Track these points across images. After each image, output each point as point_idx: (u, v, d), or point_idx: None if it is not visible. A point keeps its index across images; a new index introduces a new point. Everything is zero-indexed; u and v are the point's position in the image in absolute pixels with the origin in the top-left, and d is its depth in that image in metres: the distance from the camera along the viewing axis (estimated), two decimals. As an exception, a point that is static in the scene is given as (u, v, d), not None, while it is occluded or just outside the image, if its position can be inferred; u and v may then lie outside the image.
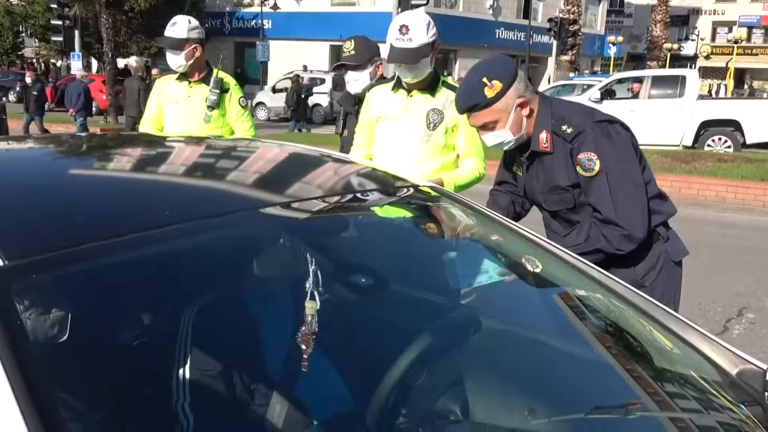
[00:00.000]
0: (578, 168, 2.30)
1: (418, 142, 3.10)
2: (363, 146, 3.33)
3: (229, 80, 4.20)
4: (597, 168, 2.27)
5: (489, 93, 2.30)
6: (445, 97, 3.12)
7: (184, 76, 4.07)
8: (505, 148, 2.47)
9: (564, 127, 2.32)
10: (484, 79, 2.30)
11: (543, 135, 2.36)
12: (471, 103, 2.35)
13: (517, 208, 2.70)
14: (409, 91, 3.14)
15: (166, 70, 4.29)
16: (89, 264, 1.21)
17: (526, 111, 2.36)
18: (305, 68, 27.11)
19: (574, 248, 2.20)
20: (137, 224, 1.32)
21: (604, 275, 1.81)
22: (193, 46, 4.01)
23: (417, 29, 2.97)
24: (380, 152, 3.20)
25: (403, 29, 2.97)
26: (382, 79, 3.46)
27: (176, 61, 3.99)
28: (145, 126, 4.23)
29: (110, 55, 22.44)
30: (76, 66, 21.33)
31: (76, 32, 21.48)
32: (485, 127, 2.39)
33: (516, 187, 2.68)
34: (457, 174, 3.16)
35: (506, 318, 1.86)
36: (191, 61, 4.01)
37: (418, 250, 1.94)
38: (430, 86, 3.14)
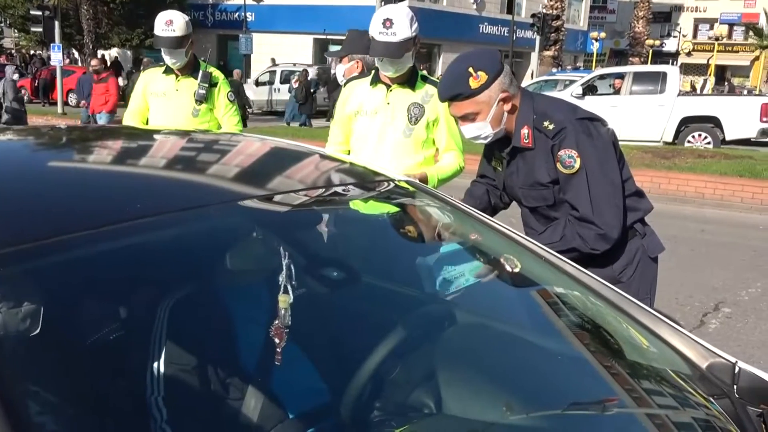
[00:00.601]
0: (558, 165, 2.29)
1: (400, 136, 3.11)
2: (340, 141, 3.32)
3: (218, 74, 4.19)
4: (577, 166, 2.26)
5: (473, 83, 2.28)
6: (424, 92, 3.13)
7: (170, 70, 4.04)
8: (483, 141, 2.45)
9: (546, 123, 2.30)
10: (470, 69, 2.28)
11: (525, 131, 2.34)
12: (454, 92, 2.33)
13: (492, 199, 2.68)
14: (388, 85, 3.14)
15: (159, 60, 4.28)
16: (60, 257, 1.20)
17: (508, 106, 2.34)
18: (273, 62, 26.43)
19: (549, 246, 2.14)
20: (109, 217, 1.31)
21: (579, 271, 1.82)
22: (190, 41, 4.01)
23: (401, 23, 2.97)
24: (361, 147, 3.19)
25: (387, 23, 2.96)
26: (360, 75, 3.45)
27: (177, 58, 3.97)
28: (129, 119, 4.19)
29: (91, 47, 22.23)
30: (56, 57, 21.07)
31: (56, 23, 21.18)
32: (465, 118, 2.37)
33: (494, 182, 2.67)
34: (439, 168, 3.18)
35: (483, 314, 1.88)
36: (188, 57, 4.01)
37: (395, 245, 1.95)
38: (409, 80, 3.15)
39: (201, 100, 4.04)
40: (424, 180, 2.94)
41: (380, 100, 3.15)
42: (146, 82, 4.13)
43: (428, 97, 3.13)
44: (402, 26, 2.97)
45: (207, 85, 4.05)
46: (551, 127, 2.29)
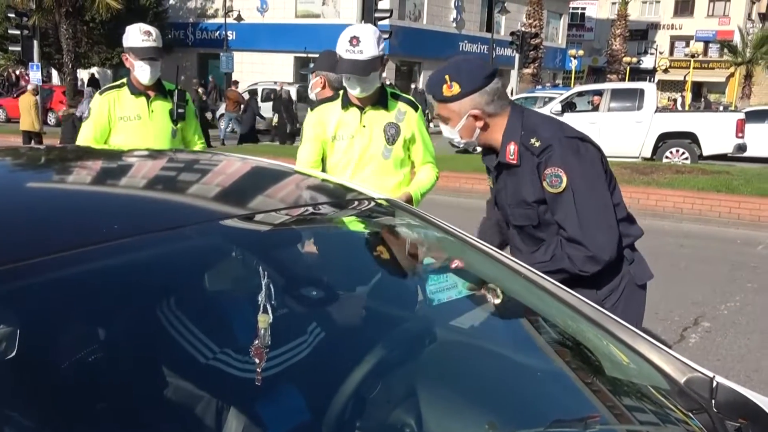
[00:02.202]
0: (544, 183, 2.25)
1: (380, 158, 3.12)
2: (311, 162, 3.22)
3: (186, 92, 4.09)
4: (564, 185, 2.22)
5: (446, 92, 2.31)
6: (397, 110, 3.14)
7: (137, 90, 3.81)
8: (457, 146, 2.51)
9: (532, 140, 2.27)
10: (447, 77, 2.30)
11: (511, 147, 2.31)
12: (430, 91, 2.40)
13: (501, 237, 2.67)
14: (361, 108, 3.13)
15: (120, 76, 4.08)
16: (36, 279, 1.19)
17: (480, 123, 2.32)
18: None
19: (539, 265, 2.18)
20: (86, 238, 1.30)
21: (559, 288, 1.83)
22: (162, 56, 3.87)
23: (367, 41, 2.97)
24: (342, 172, 3.17)
25: (354, 41, 2.96)
26: (326, 97, 3.43)
27: (155, 72, 3.77)
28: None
29: (70, 66, 22.11)
30: (35, 77, 20.94)
31: (35, 42, 21.09)
32: (441, 118, 2.42)
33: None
34: (419, 184, 3.22)
35: (465, 332, 1.88)
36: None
37: (376, 263, 1.94)
38: (380, 100, 3.15)
39: (180, 120, 3.93)
40: (409, 200, 2.99)
41: (355, 123, 3.14)
42: (110, 105, 3.79)
43: (402, 115, 3.15)
44: (369, 44, 2.97)
45: (185, 104, 3.96)
46: (537, 144, 2.26)
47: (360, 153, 3.13)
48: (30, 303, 1.18)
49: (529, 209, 2.34)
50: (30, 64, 21.62)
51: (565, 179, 2.21)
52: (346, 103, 3.15)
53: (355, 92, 3.06)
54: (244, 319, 1.46)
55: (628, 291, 2.41)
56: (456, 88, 2.28)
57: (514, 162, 2.32)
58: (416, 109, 3.23)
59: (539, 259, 2.30)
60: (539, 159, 2.25)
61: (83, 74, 32.19)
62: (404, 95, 3.26)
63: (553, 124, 2.40)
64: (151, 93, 3.86)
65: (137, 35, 3.75)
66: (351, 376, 1.41)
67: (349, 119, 3.14)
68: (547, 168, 2.23)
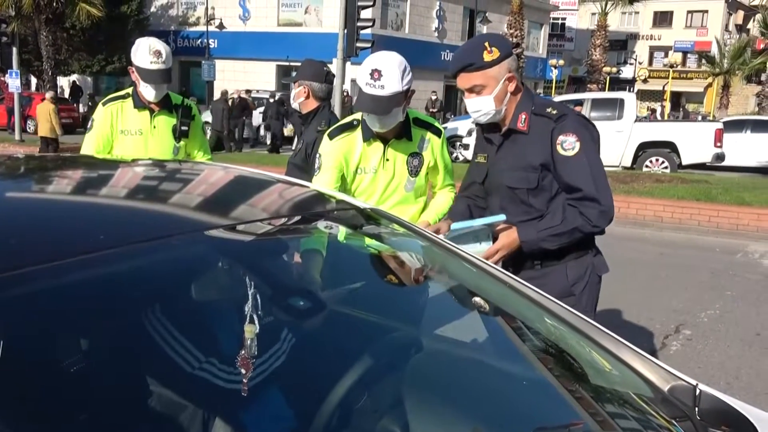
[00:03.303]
0: (558, 147, 2.44)
1: (403, 191, 3.00)
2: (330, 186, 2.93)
3: (193, 106, 3.92)
4: (577, 149, 2.43)
5: (487, 57, 2.44)
6: (420, 138, 2.98)
7: (141, 103, 3.66)
8: (481, 119, 2.56)
9: (549, 109, 2.49)
10: (486, 44, 2.45)
11: (522, 116, 2.51)
12: (468, 61, 2.47)
13: (474, 213, 2.75)
14: (384, 139, 2.93)
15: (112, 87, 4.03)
16: (19, 290, 1.17)
17: (512, 86, 2.50)
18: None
19: (549, 230, 2.46)
20: (70, 249, 1.29)
21: (541, 296, 1.84)
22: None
23: (390, 75, 2.70)
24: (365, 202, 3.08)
25: (375, 74, 2.69)
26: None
27: (160, 93, 3.64)
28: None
29: (50, 73, 21.92)
30: (14, 84, 20.74)
31: (14, 49, 20.89)
32: (472, 90, 2.50)
33: (477, 191, 2.76)
34: (437, 209, 3.12)
35: (449, 340, 1.88)
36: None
37: (362, 272, 1.95)
38: (404, 130, 2.93)
39: (183, 137, 3.76)
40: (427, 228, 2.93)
41: (378, 157, 2.94)
42: (113, 117, 3.66)
43: (425, 143, 2.99)
44: (392, 79, 2.70)
45: (189, 121, 3.79)
46: (554, 112, 2.48)
47: (383, 187, 2.97)
48: (13, 313, 1.16)
49: (532, 173, 2.50)
50: (9, 71, 21.41)
51: (578, 144, 2.43)
52: (368, 136, 2.92)
53: (374, 128, 2.86)
54: (230, 329, 1.46)
55: (591, 281, 2.59)
56: (496, 52, 2.44)
57: (524, 129, 2.52)
58: (440, 135, 3.06)
59: (548, 224, 2.48)
60: (555, 125, 2.46)
61: (63, 81, 31.93)
62: (427, 119, 3.06)
63: (559, 103, 2.69)
64: (156, 107, 3.70)
65: (146, 55, 3.56)
66: (337, 386, 1.41)
67: (372, 152, 2.94)
68: (563, 134, 2.45)
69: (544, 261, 2.57)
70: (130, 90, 3.76)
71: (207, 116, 25.80)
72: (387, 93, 2.69)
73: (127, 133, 3.67)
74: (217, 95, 24.03)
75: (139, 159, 2.93)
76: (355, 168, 2.96)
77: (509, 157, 2.56)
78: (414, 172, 2.99)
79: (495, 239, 2.54)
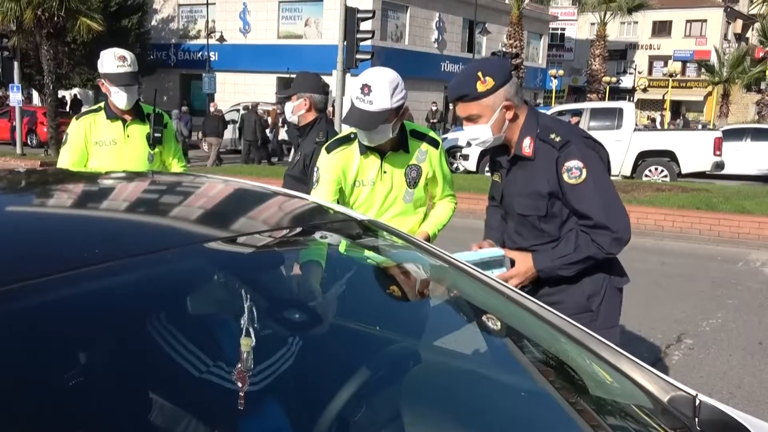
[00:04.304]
0: (564, 175, 2.41)
1: (401, 203, 3.01)
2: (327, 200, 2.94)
3: (165, 114, 4.04)
4: (584, 176, 2.40)
5: (480, 87, 2.41)
6: (419, 150, 2.98)
7: (113, 115, 3.80)
8: (481, 145, 2.56)
9: (552, 136, 2.44)
10: (479, 74, 2.42)
11: (527, 141, 2.48)
12: (462, 92, 2.46)
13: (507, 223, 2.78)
14: (380, 153, 2.94)
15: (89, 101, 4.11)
16: (14, 304, 1.17)
17: (510, 114, 2.47)
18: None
19: (563, 259, 2.45)
20: (66, 262, 1.29)
21: (541, 307, 1.84)
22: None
23: (380, 91, 2.71)
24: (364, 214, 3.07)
25: (365, 89, 2.71)
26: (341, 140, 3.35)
27: (132, 97, 3.76)
28: None
29: (51, 87, 21.99)
30: (15, 98, 20.80)
31: (16, 63, 20.97)
32: (469, 119, 2.50)
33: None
34: (436, 221, 3.13)
35: (448, 352, 1.88)
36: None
37: (360, 285, 1.94)
38: (400, 142, 2.95)
39: (157, 144, 3.87)
40: (427, 239, 2.92)
41: (375, 169, 2.95)
42: (86, 130, 3.78)
43: (423, 155, 2.99)
44: (381, 95, 2.71)
45: (162, 128, 3.89)
46: (558, 139, 2.44)
47: (382, 199, 2.98)
48: (8, 329, 1.16)
49: (539, 200, 2.49)
50: (10, 85, 21.48)
51: (585, 171, 2.40)
52: (365, 149, 2.93)
53: (364, 141, 2.87)
54: (230, 341, 1.45)
55: (608, 294, 2.58)
56: (490, 82, 2.41)
57: (529, 155, 2.48)
58: (437, 146, 3.07)
59: (563, 252, 2.48)
60: (559, 153, 2.42)
61: (64, 95, 32.03)
62: (424, 131, 3.07)
63: (566, 124, 2.66)
64: (128, 117, 3.83)
65: (112, 61, 3.73)
66: (335, 399, 1.40)
67: (369, 165, 2.95)
68: (568, 161, 2.41)
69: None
70: (102, 104, 3.89)
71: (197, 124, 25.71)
72: (375, 109, 2.71)
73: (102, 144, 3.78)
74: (226, 107, 24.42)
75: (133, 172, 2.93)
76: (353, 180, 2.98)
77: (518, 181, 2.56)
78: (412, 183, 2.99)
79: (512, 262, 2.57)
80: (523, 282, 2.55)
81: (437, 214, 3.16)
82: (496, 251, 2.58)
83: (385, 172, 2.96)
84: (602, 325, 2.49)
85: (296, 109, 3.75)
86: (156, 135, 3.86)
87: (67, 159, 3.78)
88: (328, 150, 3.02)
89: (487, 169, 2.76)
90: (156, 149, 3.90)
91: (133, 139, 3.83)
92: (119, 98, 3.74)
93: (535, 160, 2.47)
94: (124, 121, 3.82)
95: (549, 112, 17.49)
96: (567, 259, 2.45)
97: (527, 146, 2.48)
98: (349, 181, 2.99)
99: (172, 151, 4.03)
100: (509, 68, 2.54)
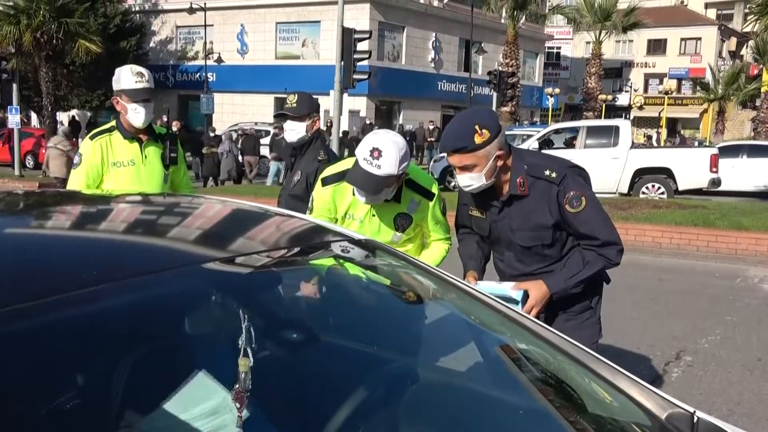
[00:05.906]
0: (567, 206, 2.60)
1: (389, 241, 2.96)
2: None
3: (178, 135, 4.02)
4: (584, 204, 2.61)
5: (478, 139, 2.52)
6: (410, 200, 2.96)
7: (131, 136, 3.71)
8: (473, 190, 2.67)
9: (547, 173, 2.62)
10: (476, 126, 2.52)
11: (519, 180, 2.64)
12: (460, 145, 2.55)
13: (484, 250, 2.95)
14: None
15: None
16: (13, 326, 1.17)
17: (501, 163, 2.61)
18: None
19: (576, 276, 2.66)
20: (65, 284, 1.29)
21: (537, 325, 1.85)
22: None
23: (389, 157, 2.71)
24: None
25: (375, 152, 2.70)
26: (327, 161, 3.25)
27: (149, 115, 3.67)
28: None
29: (50, 109, 22.05)
30: (14, 120, 20.84)
31: (14, 85, 21.04)
32: (464, 168, 2.59)
33: (472, 230, 2.94)
34: (429, 260, 3.01)
35: (447, 371, 1.88)
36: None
37: (359, 304, 1.95)
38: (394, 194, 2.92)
39: (172, 164, 3.82)
40: None
41: (365, 210, 2.98)
42: (103, 150, 3.66)
43: (415, 206, 2.97)
44: (389, 161, 2.70)
45: (176, 148, 3.86)
46: (554, 175, 2.61)
47: (371, 235, 2.87)
48: (4, 350, 1.17)
49: (544, 231, 2.68)
50: (9, 107, 21.54)
51: (583, 199, 2.61)
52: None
53: (360, 200, 2.88)
54: (225, 363, 1.45)
55: (600, 290, 2.88)
56: (486, 134, 2.53)
57: (525, 193, 2.65)
58: (431, 198, 3.01)
59: (573, 271, 2.68)
60: (559, 188, 2.60)
61: (62, 117, 32.13)
62: (422, 184, 3.01)
63: (548, 157, 2.86)
64: (144, 137, 3.76)
65: (130, 77, 3.63)
66: (334, 419, 1.41)
67: (360, 205, 2.96)
68: (569, 192, 2.60)
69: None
70: (114, 123, 3.78)
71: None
72: (382, 173, 2.71)
73: (120, 165, 3.68)
74: (223, 127, 24.40)
75: (132, 193, 2.94)
76: (345, 213, 3.02)
77: (516, 218, 2.71)
78: (401, 229, 3.00)
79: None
80: (541, 310, 2.69)
81: (431, 254, 3.14)
82: (504, 290, 2.65)
83: (373, 215, 2.99)
84: (597, 316, 2.85)
85: (309, 128, 3.80)
86: (172, 155, 3.83)
87: (81, 180, 3.67)
88: (324, 183, 3.04)
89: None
90: (170, 169, 3.86)
91: (150, 159, 3.77)
92: (136, 115, 3.64)
93: (530, 196, 2.64)
94: (141, 141, 3.74)
95: (546, 130, 17.65)
96: (579, 277, 2.66)
97: (521, 184, 2.63)
98: (341, 212, 3.03)
99: (182, 172, 4.01)
100: (498, 118, 2.68)
